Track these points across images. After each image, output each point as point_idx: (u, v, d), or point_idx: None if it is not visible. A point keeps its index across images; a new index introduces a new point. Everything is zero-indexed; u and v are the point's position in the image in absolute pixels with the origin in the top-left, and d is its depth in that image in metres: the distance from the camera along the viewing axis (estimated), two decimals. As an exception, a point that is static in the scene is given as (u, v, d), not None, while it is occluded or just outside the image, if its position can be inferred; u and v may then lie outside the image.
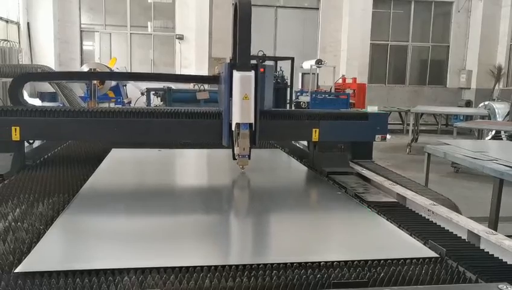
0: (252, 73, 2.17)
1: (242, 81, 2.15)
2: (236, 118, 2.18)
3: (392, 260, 1.42)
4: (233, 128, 2.23)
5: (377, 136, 2.81)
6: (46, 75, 4.50)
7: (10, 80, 3.33)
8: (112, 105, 10.67)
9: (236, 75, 2.16)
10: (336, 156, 2.76)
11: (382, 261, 1.41)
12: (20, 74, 3.42)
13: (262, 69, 2.30)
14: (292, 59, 12.63)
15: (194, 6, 15.51)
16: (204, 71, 14.64)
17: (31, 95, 12.53)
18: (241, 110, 2.17)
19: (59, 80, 5.34)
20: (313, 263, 1.38)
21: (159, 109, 2.72)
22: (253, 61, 2.28)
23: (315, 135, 2.70)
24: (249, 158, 2.30)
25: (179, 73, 14.59)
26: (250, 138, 2.23)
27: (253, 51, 12.92)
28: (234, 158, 2.37)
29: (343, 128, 2.76)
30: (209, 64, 15.17)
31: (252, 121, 2.20)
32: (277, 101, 10.78)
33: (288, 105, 12.02)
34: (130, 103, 11.98)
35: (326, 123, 2.71)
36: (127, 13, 16.10)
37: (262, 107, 2.38)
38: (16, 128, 2.46)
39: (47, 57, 14.41)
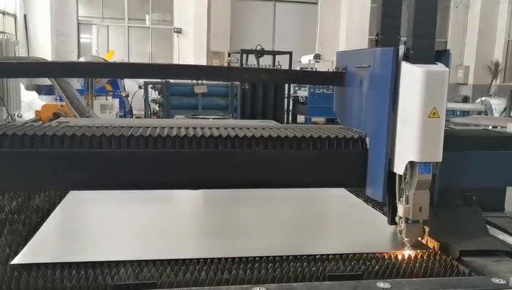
0: (446, 69, 1.29)
1: (430, 84, 1.25)
2: (410, 153, 1.28)
3: (387, 253, 1.43)
4: (399, 171, 1.33)
5: None
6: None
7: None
8: (110, 99, 10.64)
9: (418, 71, 1.26)
10: (465, 215, 1.59)
11: (377, 254, 1.42)
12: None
13: None
14: (290, 53, 12.60)
15: (192, -1, 15.45)
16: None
17: (28, 88, 12.46)
18: (423, 139, 1.26)
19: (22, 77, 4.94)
20: (308, 255, 1.39)
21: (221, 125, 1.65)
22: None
23: None
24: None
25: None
26: (431, 189, 1.35)
27: (251, 45, 12.90)
28: (393, 222, 1.44)
29: (479, 165, 1.57)
30: (207, 58, 15.11)
31: (440, 158, 1.32)
32: (276, 96, 10.75)
33: (286, 100, 12.00)
34: (127, 96, 11.94)
35: (447, 155, 1.40)
36: (124, 6, 16.01)
37: None
38: None
39: (44, 50, 14.33)
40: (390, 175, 1.35)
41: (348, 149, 1.49)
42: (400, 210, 1.36)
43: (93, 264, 1.28)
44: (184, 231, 1.70)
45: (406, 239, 1.42)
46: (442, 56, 1.31)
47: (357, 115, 1.53)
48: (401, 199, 1.35)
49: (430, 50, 1.29)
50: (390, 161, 1.33)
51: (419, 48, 1.29)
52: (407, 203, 1.33)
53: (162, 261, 1.31)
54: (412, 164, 1.29)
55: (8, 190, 1.77)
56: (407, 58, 1.29)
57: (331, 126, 1.73)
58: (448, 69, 1.27)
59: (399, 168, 1.31)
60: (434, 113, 1.26)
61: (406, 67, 1.28)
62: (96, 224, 1.71)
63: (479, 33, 17.28)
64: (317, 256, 1.39)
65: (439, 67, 1.28)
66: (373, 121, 1.40)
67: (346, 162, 1.50)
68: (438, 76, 1.26)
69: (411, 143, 1.27)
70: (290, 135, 1.48)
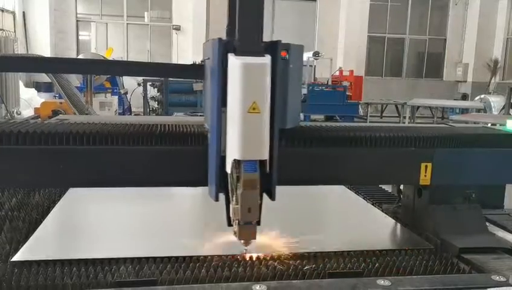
0: (267, 59, 1.19)
1: (247, 76, 1.16)
2: (234, 151, 1.19)
3: (387, 250, 1.43)
4: (228, 170, 1.23)
5: None
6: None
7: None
8: (109, 96, 10.63)
9: (236, 63, 1.17)
10: (464, 213, 1.61)
11: (377, 251, 1.42)
12: None
13: (284, 53, 1.33)
14: (289, 51, 12.58)
15: (191, -4, 15.43)
16: (201, 62, 14.55)
17: (27, 85, 12.44)
18: (244, 136, 1.18)
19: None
20: (309, 253, 1.39)
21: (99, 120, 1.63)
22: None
23: (425, 175, 1.53)
24: (259, 224, 1.28)
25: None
26: (261, 189, 1.25)
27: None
28: (230, 224, 1.32)
29: (479, 163, 1.58)
30: (206, 56, 15.10)
31: (266, 156, 1.21)
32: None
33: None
34: (126, 93, 11.93)
35: (447, 153, 1.54)
36: (123, 3, 15.98)
37: (284, 123, 1.32)
38: None
39: (43, 47, 14.32)
40: (224, 175, 1.25)
41: (191, 146, 1.42)
42: (232, 212, 1.27)
43: (94, 262, 1.28)
44: (184, 228, 1.70)
45: (242, 242, 1.30)
46: (275, 48, 1.23)
47: (206, 110, 1.43)
48: (233, 199, 1.25)
49: (256, 41, 1.20)
50: (222, 161, 1.24)
51: (245, 39, 1.19)
52: (237, 204, 1.23)
53: (162, 258, 1.31)
54: (237, 163, 1.19)
55: (5, 186, 1.76)
56: (235, 50, 1.19)
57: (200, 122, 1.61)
58: (269, 61, 1.18)
59: (228, 167, 1.21)
60: (254, 108, 1.16)
61: (230, 60, 1.18)
62: (96, 221, 1.71)
63: (478, 30, 17.29)
64: (317, 253, 1.39)
65: (261, 59, 1.17)
66: (210, 116, 1.28)
67: (188, 159, 1.41)
68: (257, 68, 1.16)
69: (234, 140, 1.18)
70: (142, 131, 1.41)
